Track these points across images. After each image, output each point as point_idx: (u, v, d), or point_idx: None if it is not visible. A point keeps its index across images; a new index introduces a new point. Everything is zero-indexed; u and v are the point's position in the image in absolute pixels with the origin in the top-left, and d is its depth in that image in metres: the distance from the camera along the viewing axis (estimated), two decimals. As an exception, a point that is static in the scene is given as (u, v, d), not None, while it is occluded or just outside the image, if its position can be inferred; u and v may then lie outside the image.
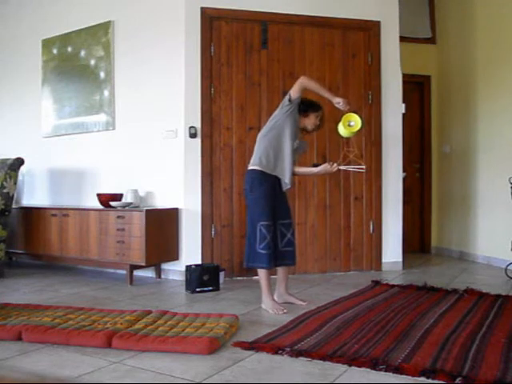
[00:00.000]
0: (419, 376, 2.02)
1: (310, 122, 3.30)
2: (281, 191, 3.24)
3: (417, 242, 5.94)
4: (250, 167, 3.23)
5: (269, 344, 2.43)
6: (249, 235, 3.21)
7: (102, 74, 4.74)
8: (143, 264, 4.01)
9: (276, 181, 3.21)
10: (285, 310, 3.09)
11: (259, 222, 3.13)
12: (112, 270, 4.58)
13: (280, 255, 3.24)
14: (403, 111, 4.71)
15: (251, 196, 3.19)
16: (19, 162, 4.58)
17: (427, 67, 5.91)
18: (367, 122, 4.57)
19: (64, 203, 4.98)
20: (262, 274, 3.22)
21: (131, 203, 4.26)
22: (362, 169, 3.34)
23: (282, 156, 3.18)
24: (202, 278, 3.75)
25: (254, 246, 3.14)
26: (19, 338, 2.55)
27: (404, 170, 4.80)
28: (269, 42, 4.42)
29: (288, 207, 3.33)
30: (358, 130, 3.17)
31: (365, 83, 4.60)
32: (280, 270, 3.35)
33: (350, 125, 3.12)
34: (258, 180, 3.17)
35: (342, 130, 3.15)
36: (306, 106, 3.27)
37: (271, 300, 3.19)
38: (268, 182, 3.17)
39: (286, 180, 3.20)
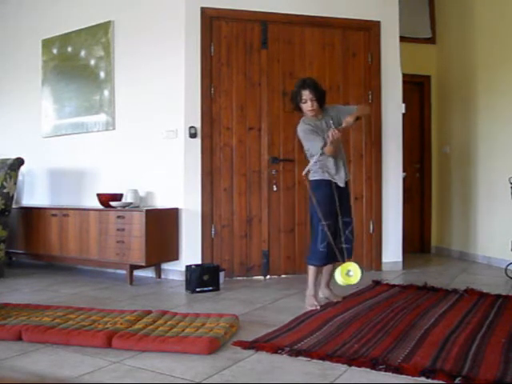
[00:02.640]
0: (419, 376, 2.02)
1: (305, 110, 3.29)
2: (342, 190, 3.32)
3: (417, 242, 5.93)
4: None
5: (269, 344, 2.43)
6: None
7: (102, 74, 4.74)
8: (143, 264, 4.01)
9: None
10: (318, 307, 3.18)
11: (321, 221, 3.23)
12: (112, 270, 4.57)
13: (339, 251, 3.32)
14: (403, 111, 4.70)
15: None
16: (19, 161, 4.58)
17: (427, 67, 5.91)
18: (367, 121, 4.57)
19: (64, 203, 4.98)
20: (311, 270, 3.34)
21: (131, 203, 4.26)
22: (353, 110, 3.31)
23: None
24: (201, 278, 3.75)
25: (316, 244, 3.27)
26: (19, 338, 2.55)
27: (404, 170, 4.80)
28: (269, 42, 4.42)
29: (350, 205, 3.41)
30: (356, 282, 3.14)
31: (365, 83, 4.60)
32: (327, 265, 3.42)
33: (349, 274, 3.07)
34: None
35: (339, 277, 3.08)
36: (293, 104, 3.34)
37: (311, 295, 3.29)
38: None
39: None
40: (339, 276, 3.06)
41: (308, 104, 3.24)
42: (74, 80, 4.94)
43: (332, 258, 3.28)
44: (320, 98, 3.26)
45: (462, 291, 3.57)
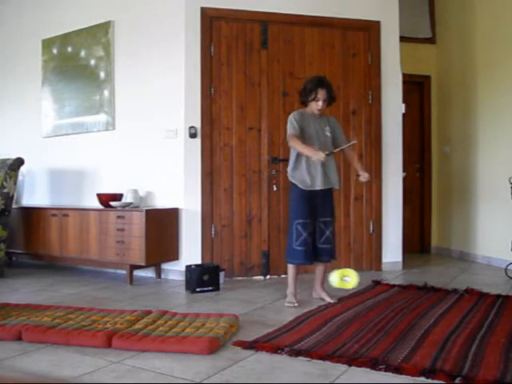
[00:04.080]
0: (419, 376, 2.03)
1: (314, 107, 3.34)
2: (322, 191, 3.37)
3: (417, 242, 5.93)
4: None
5: (269, 344, 2.43)
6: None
7: (102, 74, 4.74)
8: (143, 264, 4.01)
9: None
10: (296, 304, 3.23)
11: (295, 220, 3.33)
12: (112, 270, 4.58)
13: (317, 252, 3.38)
14: (403, 111, 4.71)
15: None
16: (19, 161, 4.58)
17: (427, 67, 5.91)
18: (367, 121, 4.58)
19: (64, 203, 4.98)
20: (289, 269, 3.40)
21: (131, 203, 4.26)
22: (352, 144, 3.47)
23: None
24: (201, 278, 3.75)
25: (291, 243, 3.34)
26: (19, 338, 2.55)
27: (404, 170, 4.80)
28: (269, 42, 4.42)
29: (331, 206, 3.44)
30: (351, 288, 3.19)
31: (365, 83, 4.60)
32: (317, 266, 3.47)
33: (345, 280, 3.12)
34: None
35: (335, 280, 3.13)
36: (302, 98, 3.39)
37: (290, 293, 3.36)
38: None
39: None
40: (335, 278, 3.09)
41: (319, 103, 3.30)
42: (74, 80, 4.94)
43: (311, 258, 3.34)
44: (330, 100, 3.35)
45: (462, 291, 3.57)
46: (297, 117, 3.35)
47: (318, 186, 3.32)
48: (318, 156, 3.16)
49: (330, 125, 3.43)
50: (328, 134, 3.39)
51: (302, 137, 3.30)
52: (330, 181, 3.38)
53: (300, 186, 3.33)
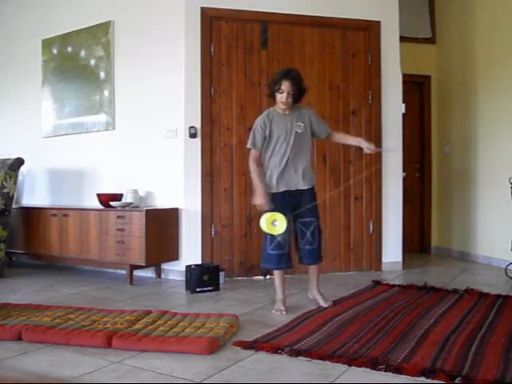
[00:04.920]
0: (419, 376, 2.02)
1: (278, 100, 3.15)
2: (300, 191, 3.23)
3: (417, 242, 5.93)
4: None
5: (269, 344, 2.43)
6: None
7: (102, 74, 4.74)
8: (143, 264, 4.01)
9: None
10: (283, 313, 3.07)
11: None
12: (112, 270, 4.58)
13: (299, 254, 3.26)
14: (403, 111, 4.71)
15: None
16: (19, 161, 4.58)
17: (427, 67, 5.91)
18: (367, 121, 4.57)
19: (64, 203, 4.98)
20: (275, 274, 3.28)
21: (131, 203, 4.26)
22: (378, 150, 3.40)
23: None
24: (201, 278, 3.75)
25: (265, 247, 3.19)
26: (19, 338, 2.55)
27: (404, 170, 4.80)
28: (269, 42, 4.42)
29: (313, 207, 3.24)
30: (278, 234, 3.04)
31: (365, 83, 4.60)
32: (309, 269, 3.35)
33: (274, 224, 2.96)
34: None
35: (264, 225, 2.97)
36: (269, 90, 3.20)
37: (279, 299, 3.20)
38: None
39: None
40: (264, 223, 2.95)
41: (283, 95, 3.09)
42: (74, 80, 4.94)
43: (289, 261, 3.19)
44: (297, 94, 3.13)
45: (462, 291, 3.57)
46: (262, 123, 3.16)
47: (284, 187, 3.18)
48: (256, 202, 3.10)
49: (302, 118, 3.20)
50: (300, 130, 3.17)
51: (269, 139, 3.15)
52: (305, 179, 3.20)
53: (268, 189, 3.18)
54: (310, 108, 3.40)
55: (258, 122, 3.21)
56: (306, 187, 3.22)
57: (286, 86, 3.07)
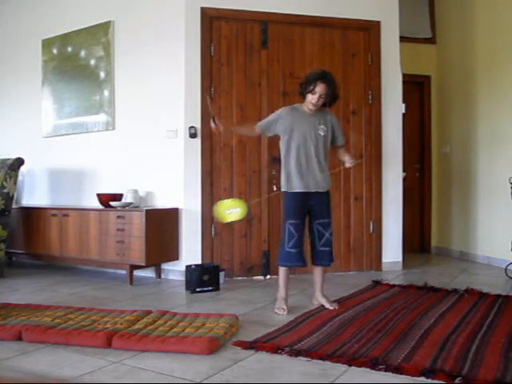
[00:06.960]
0: (419, 376, 2.02)
1: (308, 99, 3.13)
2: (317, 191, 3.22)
3: (417, 242, 5.93)
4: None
5: (269, 344, 2.43)
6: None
7: (102, 74, 4.74)
8: (143, 264, 4.01)
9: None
10: (284, 312, 3.06)
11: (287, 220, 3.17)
12: (112, 270, 4.57)
13: (315, 255, 3.23)
14: (403, 111, 4.71)
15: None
16: (19, 161, 4.58)
17: (427, 67, 5.91)
18: (367, 121, 4.57)
19: (64, 203, 4.98)
20: (280, 271, 3.25)
21: (131, 203, 4.26)
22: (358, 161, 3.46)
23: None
24: (201, 278, 3.75)
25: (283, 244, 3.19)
26: (19, 338, 2.55)
27: (404, 170, 4.80)
28: (269, 42, 4.42)
29: (327, 207, 3.25)
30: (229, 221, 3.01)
31: (365, 83, 4.60)
32: (315, 271, 3.30)
33: (231, 211, 2.92)
34: None
35: (218, 216, 2.95)
36: (301, 89, 3.18)
37: (281, 298, 3.19)
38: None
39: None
40: (217, 214, 2.92)
41: (315, 97, 3.07)
42: (74, 80, 4.94)
43: (305, 259, 3.18)
44: (330, 100, 3.13)
45: (462, 291, 3.57)
46: (286, 113, 3.18)
47: (303, 188, 3.16)
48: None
49: (326, 123, 3.20)
50: (322, 133, 3.17)
51: (290, 135, 3.15)
52: (319, 182, 3.19)
53: (285, 188, 3.19)
54: (334, 115, 3.35)
55: (281, 110, 3.23)
56: (324, 190, 3.23)
57: (320, 88, 3.06)
